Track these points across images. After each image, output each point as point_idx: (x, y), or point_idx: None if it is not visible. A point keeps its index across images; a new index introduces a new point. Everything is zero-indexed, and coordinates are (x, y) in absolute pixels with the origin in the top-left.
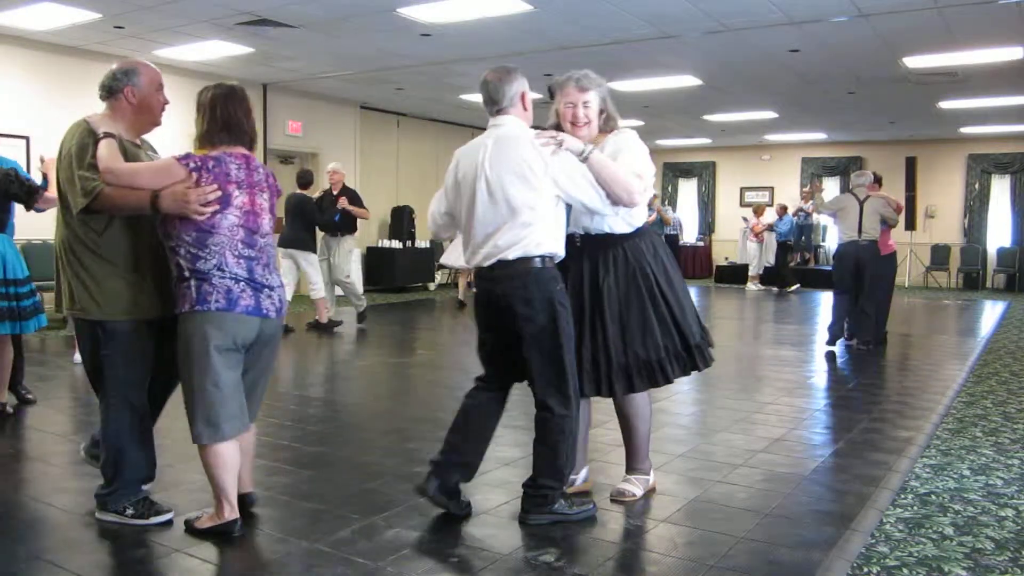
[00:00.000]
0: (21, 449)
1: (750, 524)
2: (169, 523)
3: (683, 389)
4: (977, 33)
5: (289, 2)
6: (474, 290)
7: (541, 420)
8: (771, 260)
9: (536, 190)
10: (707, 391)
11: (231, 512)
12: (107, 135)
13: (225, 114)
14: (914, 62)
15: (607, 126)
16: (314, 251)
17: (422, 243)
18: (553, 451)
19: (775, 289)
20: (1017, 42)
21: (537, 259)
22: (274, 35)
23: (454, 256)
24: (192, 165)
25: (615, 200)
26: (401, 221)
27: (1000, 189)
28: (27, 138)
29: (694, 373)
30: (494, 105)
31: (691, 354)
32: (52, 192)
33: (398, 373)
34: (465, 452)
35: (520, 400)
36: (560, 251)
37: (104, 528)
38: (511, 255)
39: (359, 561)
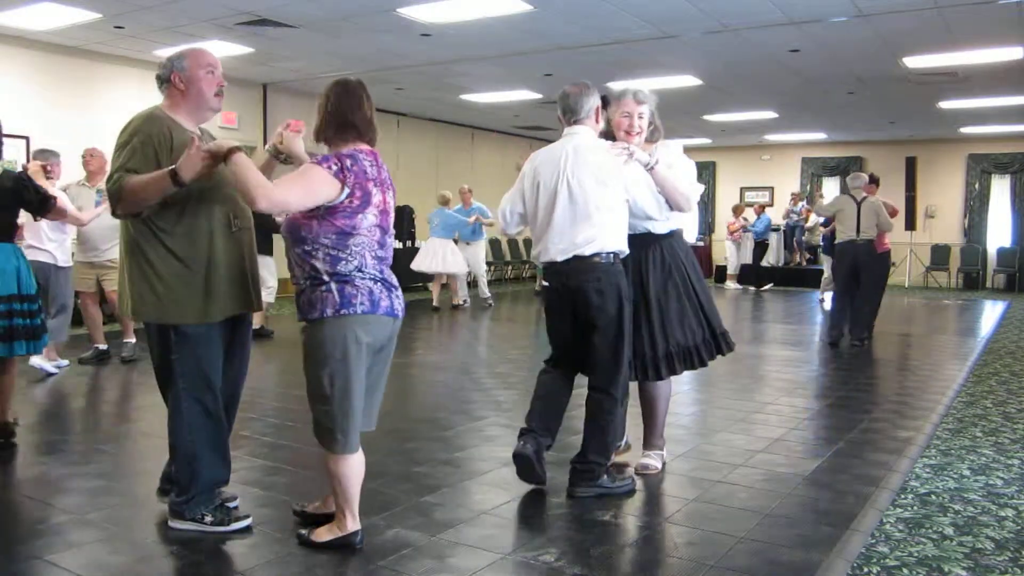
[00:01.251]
0: (21, 449)
1: (750, 524)
2: (248, 529)
3: (683, 389)
4: (977, 33)
5: (289, 2)
6: (544, 283)
7: (595, 402)
8: (748, 259)
9: (612, 194)
10: (707, 391)
11: (354, 523)
12: (234, 149)
13: (348, 109)
14: (914, 62)
15: (652, 136)
16: (269, 254)
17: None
18: (602, 431)
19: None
20: (1017, 42)
21: (610, 255)
22: (274, 35)
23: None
24: (334, 168)
25: (673, 206)
26: (401, 221)
27: (1000, 189)
28: (27, 138)
29: (693, 374)
30: (572, 115)
31: (717, 340)
32: (62, 203)
33: (398, 373)
34: (549, 418)
35: (521, 402)
36: (626, 249)
37: (104, 528)
38: (587, 251)
39: (359, 561)
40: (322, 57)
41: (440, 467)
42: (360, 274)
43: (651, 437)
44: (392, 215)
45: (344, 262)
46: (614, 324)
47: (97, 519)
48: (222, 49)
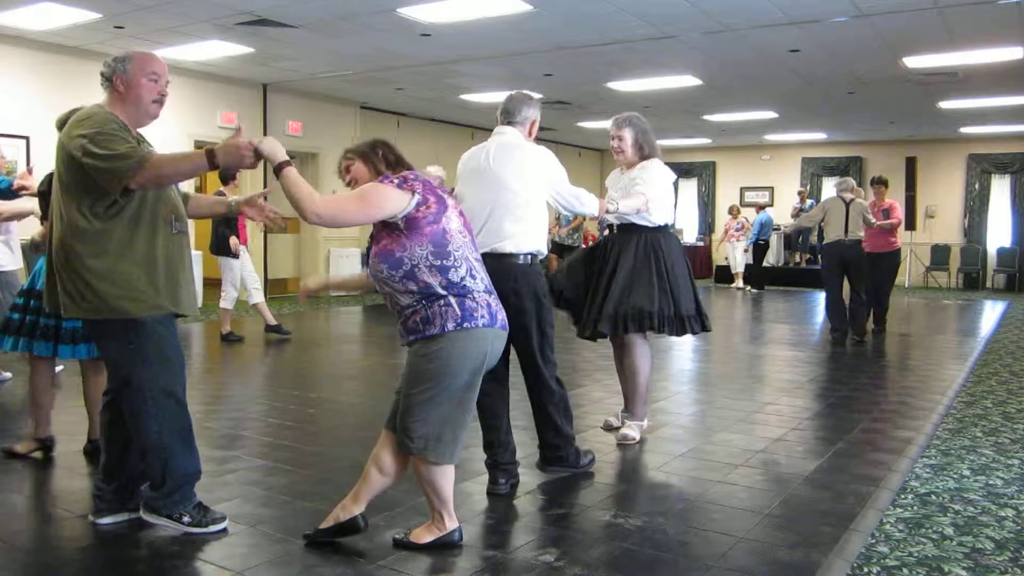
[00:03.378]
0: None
1: (750, 524)
2: (225, 531)
3: (683, 389)
4: (977, 33)
5: (289, 2)
6: None
7: (535, 397)
8: (737, 259)
9: (531, 192)
10: (707, 391)
11: (452, 522)
12: (285, 164)
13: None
14: (914, 62)
15: (641, 153)
16: (232, 256)
17: None
18: (553, 422)
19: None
20: (1017, 42)
21: (527, 255)
22: (274, 35)
23: None
24: (395, 181)
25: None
26: None
27: (1000, 189)
28: (27, 138)
29: (693, 373)
30: (508, 116)
31: (681, 321)
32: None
33: (398, 373)
34: (506, 440)
35: (521, 402)
36: (544, 250)
37: (102, 529)
38: (504, 248)
39: (359, 561)
40: (322, 57)
41: None
42: (473, 281)
43: (629, 407)
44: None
45: (454, 270)
46: (534, 320)
47: (96, 517)
48: (222, 49)
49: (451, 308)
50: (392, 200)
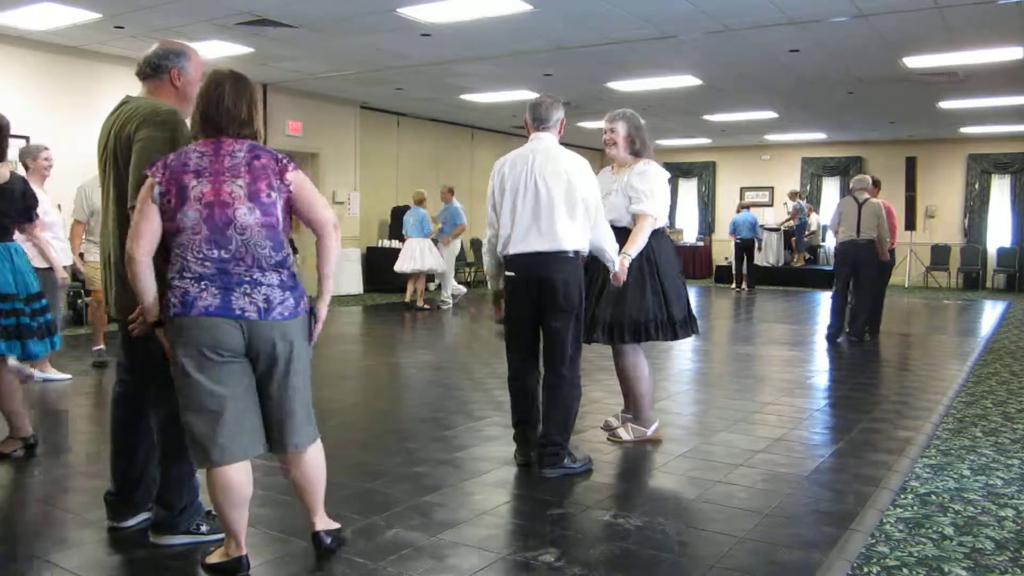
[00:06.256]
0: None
1: (750, 524)
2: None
3: (683, 389)
4: (977, 33)
5: (289, 2)
6: (509, 273)
7: (555, 385)
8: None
9: (577, 195)
10: (707, 391)
11: (236, 548)
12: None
13: (202, 104)
14: (914, 62)
15: (632, 148)
16: None
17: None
18: (564, 411)
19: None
20: (1017, 42)
21: (572, 252)
22: (274, 35)
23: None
24: (151, 168)
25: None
26: (401, 221)
27: (1000, 189)
28: (27, 138)
29: (693, 373)
30: (541, 123)
31: (674, 326)
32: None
33: (398, 373)
34: (533, 418)
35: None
36: (586, 248)
37: (102, 529)
38: (552, 247)
39: (359, 561)
40: (322, 57)
41: (440, 467)
42: (179, 276)
43: (634, 411)
44: (240, 205)
45: (170, 264)
46: (575, 314)
47: (98, 520)
48: (222, 49)
49: (164, 298)
50: (149, 190)
